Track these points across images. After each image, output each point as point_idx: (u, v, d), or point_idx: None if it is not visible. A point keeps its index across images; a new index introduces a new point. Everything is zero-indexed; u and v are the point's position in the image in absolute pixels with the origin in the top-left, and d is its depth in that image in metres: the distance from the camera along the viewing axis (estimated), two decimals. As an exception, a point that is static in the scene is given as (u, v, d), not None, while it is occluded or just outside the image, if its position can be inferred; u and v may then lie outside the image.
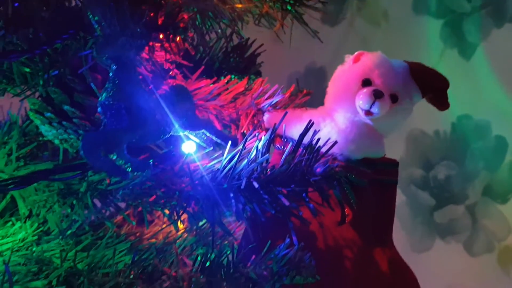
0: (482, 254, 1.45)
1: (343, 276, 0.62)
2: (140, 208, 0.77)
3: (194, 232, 0.71)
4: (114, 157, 0.47)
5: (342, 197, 0.61)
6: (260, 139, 0.54)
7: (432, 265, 1.53)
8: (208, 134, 0.58)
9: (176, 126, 0.53)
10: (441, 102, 0.64)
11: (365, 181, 0.61)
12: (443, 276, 1.49)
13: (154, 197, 0.62)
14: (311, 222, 0.57)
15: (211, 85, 0.66)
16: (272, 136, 0.53)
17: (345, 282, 0.62)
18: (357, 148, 0.62)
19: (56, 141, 0.65)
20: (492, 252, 1.44)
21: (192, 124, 0.55)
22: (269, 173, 0.53)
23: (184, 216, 0.65)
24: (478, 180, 1.43)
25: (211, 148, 0.62)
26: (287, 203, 0.56)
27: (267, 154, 0.52)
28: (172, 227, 0.72)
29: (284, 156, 0.53)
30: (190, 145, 0.60)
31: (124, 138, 0.47)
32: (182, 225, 0.73)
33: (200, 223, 0.71)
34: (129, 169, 0.48)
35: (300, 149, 0.53)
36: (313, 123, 0.54)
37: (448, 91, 0.68)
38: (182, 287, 0.50)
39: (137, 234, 0.72)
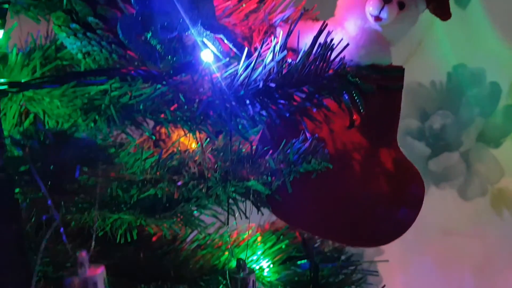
0: (476, 198, 1.51)
1: (351, 176, 0.67)
2: (159, 127, 0.81)
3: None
4: (149, 36, 0.51)
5: (351, 102, 0.65)
6: (276, 43, 0.57)
7: (427, 212, 1.57)
8: (225, 41, 0.61)
9: (199, 22, 0.56)
10: (443, 11, 0.67)
11: (373, 86, 0.65)
12: (438, 222, 1.55)
13: (175, 105, 0.65)
14: (322, 122, 0.62)
15: (225, 4, 0.69)
16: (287, 39, 0.57)
17: (353, 180, 0.67)
18: (367, 53, 0.66)
19: (80, 56, 0.68)
20: (486, 195, 1.50)
21: (212, 25, 0.58)
22: (285, 71, 0.57)
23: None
24: (473, 127, 1.49)
25: (227, 59, 0.65)
26: (301, 105, 0.60)
27: (285, 51, 0.56)
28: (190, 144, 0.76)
29: (300, 54, 0.56)
30: (207, 54, 0.63)
31: (157, 19, 0.51)
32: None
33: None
34: (161, 50, 0.52)
35: (315, 49, 0.57)
36: (327, 25, 0.58)
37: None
38: (207, 174, 0.55)
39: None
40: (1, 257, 0.45)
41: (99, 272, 0.41)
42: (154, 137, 0.75)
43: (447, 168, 1.54)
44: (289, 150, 0.58)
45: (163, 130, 0.78)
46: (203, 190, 0.58)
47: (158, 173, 0.63)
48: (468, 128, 1.49)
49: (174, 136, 0.74)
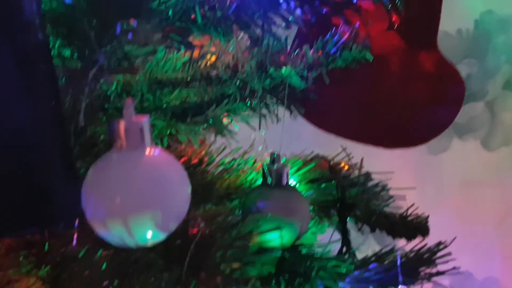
0: (499, 148, 1.49)
1: (390, 77, 0.66)
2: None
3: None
4: None
5: (390, 3, 0.64)
6: None
7: (449, 164, 1.57)
8: None
9: None
10: None
11: (413, -14, 0.64)
12: (460, 173, 1.54)
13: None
14: (360, 24, 0.60)
15: None
16: None
17: (393, 82, 0.66)
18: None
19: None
20: (509, 145, 1.48)
21: None
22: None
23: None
24: (499, 75, 1.46)
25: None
26: (338, 5, 0.58)
27: None
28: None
29: None
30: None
31: None
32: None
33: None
34: None
35: None
36: None
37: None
38: (241, 65, 0.54)
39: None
40: (41, 130, 0.44)
41: (145, 119, 0.41)
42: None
43: (471, 118, 1.52)
44: (327, 42, 0.57)
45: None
46: (237, 83, 0.57)
47: (190, 72, 0.62)
48: (495, 76, 1.47)
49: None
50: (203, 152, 0.84)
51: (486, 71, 1.48)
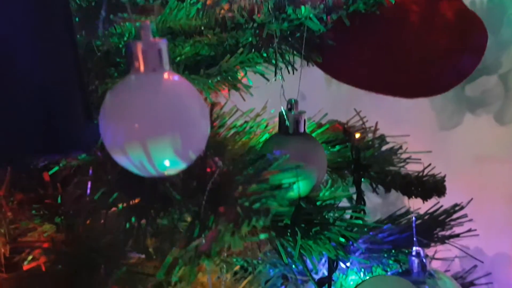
0: (512, 122, 1.47)
1: (411, 26, 0.64)
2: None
3: None
4: None
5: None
6: None
7: (461, 139, 1.55)
8: None
9: None
10: None
11: None
12: (472, 149, 1.52)
13: None
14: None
15: None
16: None
17: (414, 30, 0.64)
18: None
19: None
20: (523, 119, 1.47)
21: None
22: None
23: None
24: (514, 47, 1.44)
25: None
26: None
27: None
28: None
29: None
30: None
31: None
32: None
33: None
34: None
35: None
36: None
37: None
38: (258, 9, 0.53)
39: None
40: (58, 62, 0.43)
41: (164, 41, 0.39)
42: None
43: (484, 92, 1.50)
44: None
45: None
46: (253, 28, 0.56)
47: (204, 19, 0.60)
48: (509, 48, 1.45)
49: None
50: (213, 115, 0.83)
51: (500, 43, 1.46)
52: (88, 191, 0.59)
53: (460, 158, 1.54)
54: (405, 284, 0.65)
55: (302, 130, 0.59)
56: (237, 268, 0.90)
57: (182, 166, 0.40)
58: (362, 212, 0.70)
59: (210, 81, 0.68)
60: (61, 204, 0.62)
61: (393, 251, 0.82)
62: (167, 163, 0.39)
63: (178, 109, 0.38)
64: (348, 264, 0.77)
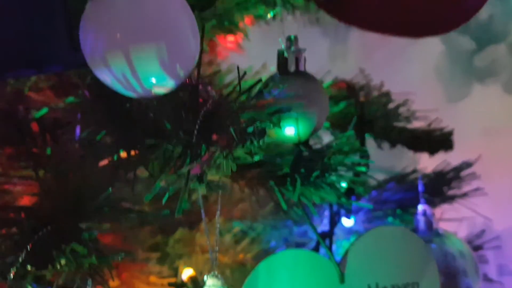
0: (522, 91, 1.44)
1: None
2: None
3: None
4: None
5: None
6: None
7: (468, 111, 1.51)
8: None
9: None
10: None
11: None
12: (479, 120, 1.49)
13: None
14: None
15: None
16: None
17: None
18: None
19: None
20: (533, 88, 1.43)
21: None
22: None
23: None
24: (523, 14, 1.40)
25: None
26: None
27: None
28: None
29: None
30: None
31: None
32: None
33: None
34: None
35: None
36: None
37: None
38: None
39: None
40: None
41: None
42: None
43: (493, 61, 1.46)
44: None
45: None
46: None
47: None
48: (518, 15, 1.41)
49: None
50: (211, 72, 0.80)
51: (508, 11, 1.42)
52: (78, 136, 0.57)
53: (468, 130, 1.51)
54: (410, 236, 0.62)
55: (302, 68, 0.56)
56: (236, 230, 0.88)
57: (170, 83, 0.37)
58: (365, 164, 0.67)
59: (205, 24, 0.64)
60: (51, 156, 0.60)
61: (398, 210, 0.79)
62: (153, 79, 0.36)
63: (165, 18, 0.35)
64: (351, 222, 0.74)
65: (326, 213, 0.70)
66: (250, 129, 0.37)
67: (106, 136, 0.48)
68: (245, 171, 0.62)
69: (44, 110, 0.55)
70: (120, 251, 0.69)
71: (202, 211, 0.52)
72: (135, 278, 0.67)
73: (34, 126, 0.62)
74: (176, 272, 0.76)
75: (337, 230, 0.75)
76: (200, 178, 0.37)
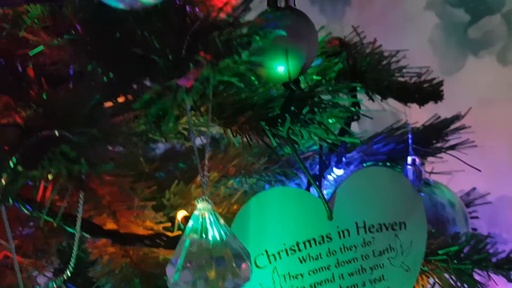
0: (516, 62, 1.45)
1: None
2: None
3: None
4: None
5: None
6: None
7: (463, 83, 1.53)
8: None
9: None
10: None
11: None
12: (474, 92, 1.50)
13: None
14: None
15: None
16: None
17: None
18: None
19: None
20: (527, 58, 1.44)
21: None
22: None
23: None
24: (518, -17, 1.41)
25: None
26: None
27: None
28: None
29: None
30: None
31: None
32: None
33: None
34: None
35: None
36: None
37: None
38: None
39: None
40: None
41: None
42: None
43: (487, 33, 1.47)
44: None
45: None
46: None
47: None
48: (512, -14, 1.42)
49: None
50: None
51: (503, -19, 1.43)
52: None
53: (463, 103, 1.52)
54: (398, 177, 0.64)
55: (292, 3, 0.57)
56: (230, 183, 0.89)
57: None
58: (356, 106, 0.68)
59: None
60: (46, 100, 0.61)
61: (388, 163, 0.80)
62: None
63: None
64: (341, 171, 0.75)
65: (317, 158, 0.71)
66: (236, 42, 0.38)
67: (97, 67, 0.49)
68: (237, 115, 0.63)
69: (40, 48, 0.57)
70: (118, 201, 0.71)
71: (199, 165, 0.52)
72: (132, 222, 0.68)
73: (30, 71, 0.63)
74: (172, 222, 0.78)
75: (326, 182, 0.76)
76: (188, 90, 0.38)
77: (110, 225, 0.70)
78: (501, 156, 1.49)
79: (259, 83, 0.64)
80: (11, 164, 0.35)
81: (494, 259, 0.65)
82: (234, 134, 0.64)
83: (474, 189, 0.99)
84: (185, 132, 0.71)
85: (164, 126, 0.69)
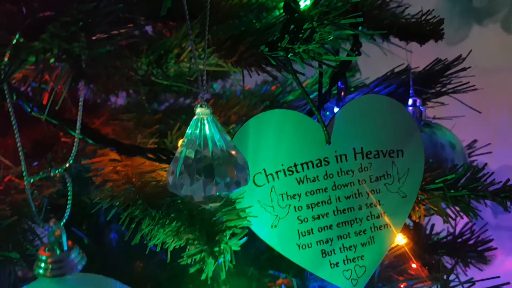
0: (520, 29, 1.45)
1: None
2: None
3: None
4: None
5: None
6: None
7: (467, 50, 1.52)
8: None
9: None
10: None
11: None
12: (479, 61, 1.49)
13: None
14: None
15: None
16: None
17: None
18: None
19: None
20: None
21: None
22: None
23: None
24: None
25: None
26: None
27: None
28: None
29: None
30: None
31: None
32: None
33: None
34: None
35: None
36: None
37: None
38: None
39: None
40: None
41: None
42: None
43: (491, 1, 1.47)
44: None
45: None
46: None
47: None
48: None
49: None
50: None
51: None
52: None
53: (467, 72, 1.52)
54: (397, 105, 0.64)
55: None
56: (232, 127, 0.90)
57: None
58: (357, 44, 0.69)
59: None
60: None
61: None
62: None
63: None
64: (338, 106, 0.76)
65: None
66: None
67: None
68: (237, 45, 0.64)
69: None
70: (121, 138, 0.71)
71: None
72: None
73: None
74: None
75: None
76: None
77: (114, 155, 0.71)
78: (503, 124, 1.49)
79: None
80: (14, 40, 0.36)
81: (491, 189, 0.66)
82: (234, 65, 0.65)
83: (475, 141, 0.99)
84: (186, 70, 0.72)
85: (165, 65, 0.70)
